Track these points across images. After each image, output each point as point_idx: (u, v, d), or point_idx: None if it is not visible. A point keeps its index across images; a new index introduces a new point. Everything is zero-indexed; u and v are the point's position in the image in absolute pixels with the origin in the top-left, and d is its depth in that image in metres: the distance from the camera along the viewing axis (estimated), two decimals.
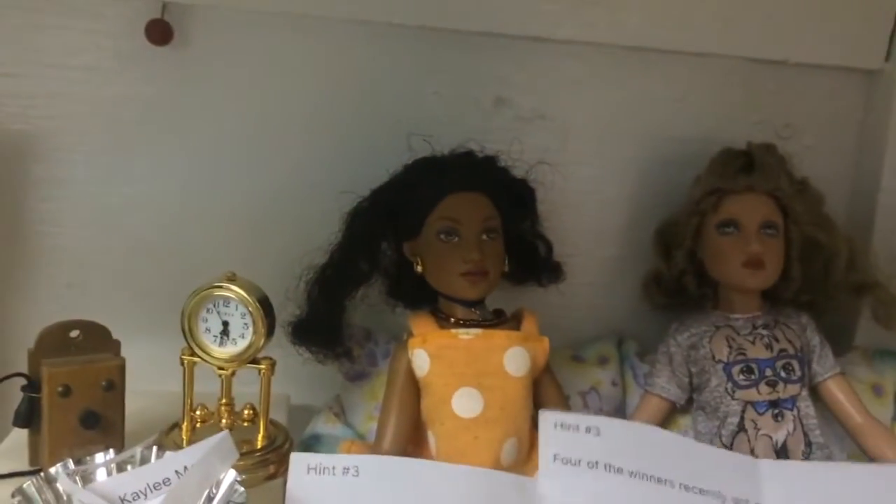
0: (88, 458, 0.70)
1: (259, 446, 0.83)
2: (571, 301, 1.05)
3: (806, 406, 0.89)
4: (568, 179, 1.03)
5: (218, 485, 0.68)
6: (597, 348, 1.05)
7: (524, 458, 0.85)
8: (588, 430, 0.78)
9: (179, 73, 0.96)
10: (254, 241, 0.99)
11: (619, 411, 1.00)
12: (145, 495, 0.68)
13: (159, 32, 0.93)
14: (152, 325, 0.88)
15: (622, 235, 1.09)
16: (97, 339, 0.81)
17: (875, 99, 1.07)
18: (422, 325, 0.86)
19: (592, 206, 1.07)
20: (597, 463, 0.76)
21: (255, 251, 0.97)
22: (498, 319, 0.88)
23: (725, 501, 0.76)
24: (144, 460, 0.71)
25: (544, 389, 0.89)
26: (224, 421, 0.83)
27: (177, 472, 0.68)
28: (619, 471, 0.76)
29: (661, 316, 1.03)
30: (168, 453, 0.71)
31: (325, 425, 0.95)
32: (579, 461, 0.76)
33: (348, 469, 0.75)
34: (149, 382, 0.89)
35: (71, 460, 0.69)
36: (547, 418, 0.78)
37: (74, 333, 0.80)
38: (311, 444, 0.93)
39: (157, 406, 0.90)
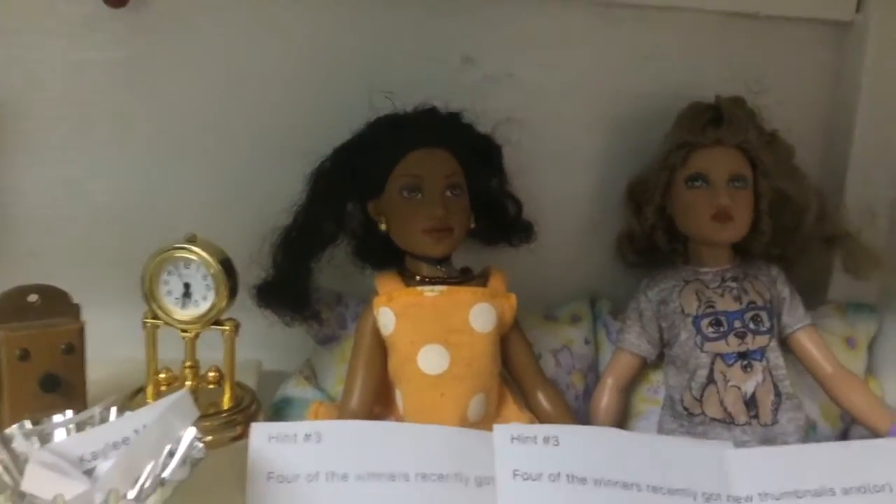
0: (46, 419, 0.69)
1: (225, 407, 0.83)
2: (544, 261, 1.04)
3: (775, 357, 0.89)
4: (537, 138, 1.03)
5: (178, 442, 0.67)
6: (569, 307, 1.04)
7: (492, 414, 0.84)
8: (546, 440, 0.77)
9: (137, 37, 0.95)
10: (218, 205, 0.98)
11: (592, 369, 1.00)
12: (105, 455, 0.68)
13: None
14: (118, 293, 0.87)
15: (594, 194, 1.08)
16: (56, 303, 0.80)
17: (846, 51, 1.06)
18: (387, 284, 0.86)
19: (563, 165, 1.06)
20: (558, 475, 0.76)
21: (220, 215, 0.95)
22: (464, 277, 0.88)
23: (696, 498, 0.77)
24: (104, 421, 0.71)
25: (513, 346, 0.88)
26: (189, 383, 0.83)
27: (136, 430, 0.68)
28: (583, 481, 0.76)
29: (634, 274, 1.03)
30: (127, 413, 0.70)
31: (295, 388, 0.95)
32: (540, 475, 0.75)
33: (310, 435, 0.75)
34: (115, 350, 0.89)
35: (28, 421, 0.68)
36: (502, 432, 0.77)
37: (33, 298, 0.80)
38: (282, 408, 0.92)
39: (122, 373, 0.89)
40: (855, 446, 0.82)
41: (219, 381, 0.85)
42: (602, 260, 1.08)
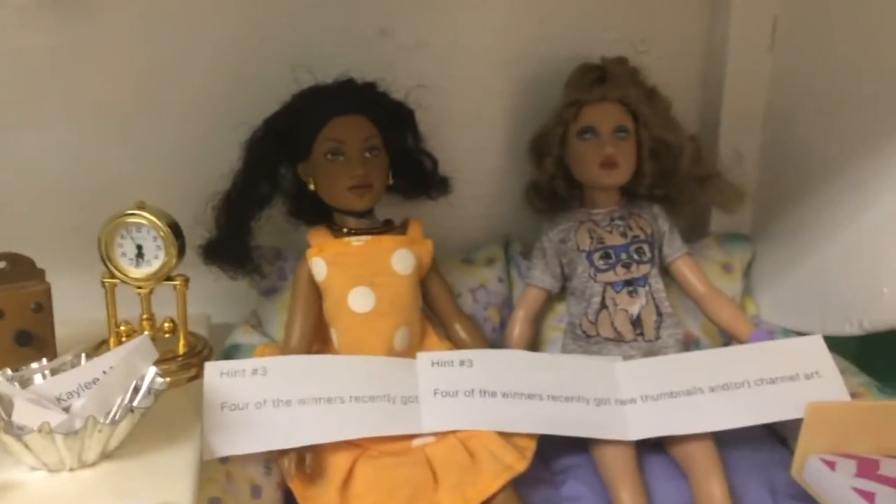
0: (24, 366, 0.79)
1: (181, 353, 0.94)
2: (462, 212, 1.17)
3: (656, 282, 1.03)
4: (449, 101, 1.13)
5: (142, 379, 0.78)
6: (485, 251, 1.17)
7: (416, 344, 0.97)
8: (462, 363, 0.91)
9: (79, 21, 1.02)
10: (163, 174, 1.07)
11: (507, 304, 1.13)
12: (78, 394, 0.79)
13: None
14: (77, 258, 0.94)
15: (503, 149, 1.20)
16: (23, 268, 0.90)
17: (716, 10, 1.18)
18: (319, 238, 0.97)
19: (474, 125, 1.17)
20: (472, 391, 0.89)
21: (165, 183, 1.04)
22: (386, 227, 1.00)
23: (589, 403, 0.90)
24: (75, 366, 0.81)
25: (432, 285, 1.01)
26: (146, 333, 0.93)
27: (104, 371, 0.79)
28: (493, 394, 0.89)
29: (542, 219, 1.15)
30: (95, 357, 0.81)
31: (243, 336, 1.06)
32: (456, 392, 0.89)
33: (256, 370, 0.88)
34: (78, 311, 0.98)
35: (9, 369, 0.79)
36: (423, 359, 0.90)
37: (1, 265, 0.89)
38: (231, 353, 1.04)
39: (86, 331, 0.98)
40: (719, 353, 0.98)
41: (173, 331, 0.95)
42: (513, 208, 1.20)
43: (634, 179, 1.06)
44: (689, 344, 1.09)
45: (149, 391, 0.76)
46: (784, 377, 0.91)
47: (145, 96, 1.07)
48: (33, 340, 0.87)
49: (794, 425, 0.87)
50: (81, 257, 0.94)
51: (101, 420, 0.72)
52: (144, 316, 0.94)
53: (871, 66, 0.99)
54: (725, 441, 0.92)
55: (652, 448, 0.94)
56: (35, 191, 1.07)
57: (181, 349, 0.94)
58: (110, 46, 1.04)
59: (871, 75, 0.99)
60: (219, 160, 0.99)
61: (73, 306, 0.96)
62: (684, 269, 1.06)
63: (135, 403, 0.75)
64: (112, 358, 0.79)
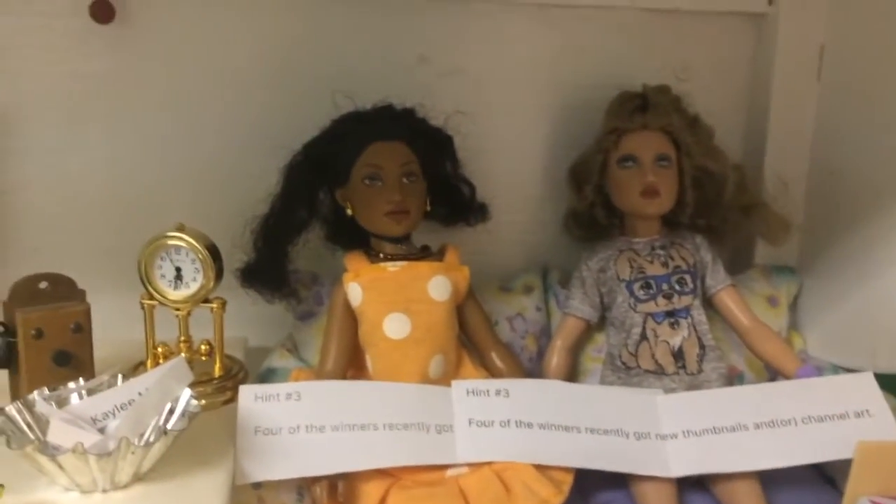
0: (62, 386, 0.80)
1: (216, 375, 0.94)
2: (499, 238, 1.16)
3: (698, 314, 1.01)
4: (487, 128, 1.14)
5: (177, 401, 0.78)
6: (523, 279, 1.16)
7: (452, 372, 0.96)
8: (498, 392, 0.90)
9: (123, 48, 1.05)
10: (203, 197, 1.09)
11: (544, 333, 1.12)
12: (113, 415, 0.79)
13: (102, 12, 1.02)
14: (116, 279, 0.96)
15: (541, 176, 1.19)
16: (64, 288, 0.91)
17: (762, 40, 1.17)
18: (355, 262, 0.97)
19: (513, 152, 1.17)
20: (508, 421, 0.87)
21: (205, 206, 1.05)
22: (423, 253, 0.99)
23: (629, 437, 0.88)
24: (111, 387, 0.81)
25: (469, 312, 1.00)
26: (183, 355, 0.93)
27: (140, 393, 0.79)
28: (529, 425, 0.87)
29: (581, 247, 1.14)
30: (132, 379, 0.81)
31: (279, 360, 1.06)
32: (492, 422, 0.87)
33: (291, 395, 0.87)
34: (117, 332, 0.98)
35: (46, 388, 0.79)
36: (459, 387, 0.89)
37: (43, 285, 0.90)
38: (267, 377, 1.03)
39: (125, 351, 0.98)
40: (765, 388, 0.95)
41: (210, 353, 0.95)
42: (551, 235, 1.19)
43: (676, 209, 1.05)
44: (733, 378, 1.06)
45: (183, 414, 0.76)
46: (833, 415, 0.88)
47: (186, 120, 1.08)
48: (72, 360, 0.88)
49: (842, 466, 0.84)
50: (121, 278, 0.95)
51: (135, 442, 0.71)
52: (182, 338, 0.94)
53: None
54: (771, 480, 0.89)
55: (693, 486, 0.91)
56: (77, 213, 1.08)
57: (217, 372, 0.94)
58: (153, 71, 1.07)
59: None
60: (257, 184, 0.99)
61: (112, 327, 0.97)
62: (728, 301, 1.03)
63: (169, 426, 0.75)
64: (147, 379, 0.79)
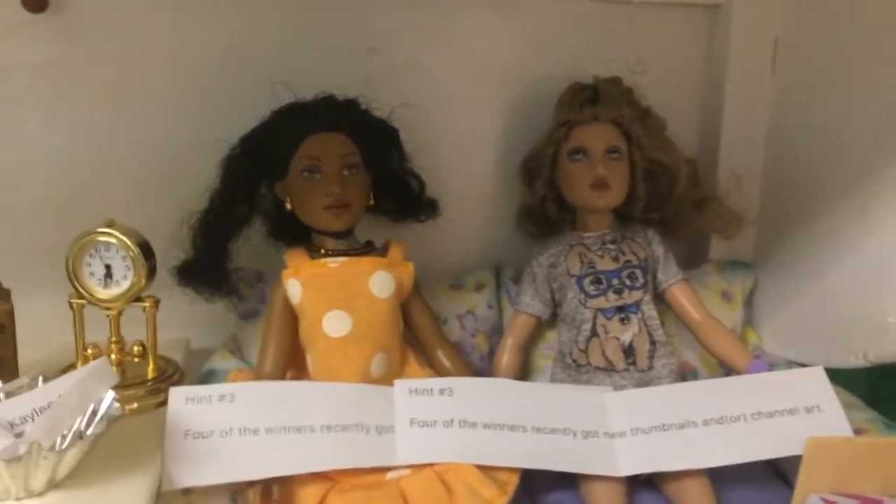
0: None
1: (150, 377, 0.91)
2: (451, 235, 1.13)
3: (649, 309, 0.98)
4: (439, 121, 1.11)
5: (100, 403, 0.75)
6: (474, 276, 1.13)
7: (396, 371, 0.93)
8: (441, 391, 0.86)
9: (58, 39, 1.01)
10: (141, 193, 1.04)
11: (496, 331, 1.09)
12: (32, 419, 0.75)
13: (34, 1, 0.98)
14: (51, 279, 0.92)
15: (495, 171, 1.16)
16: None
17: (716, 32, 1.15)
18: (295, 258, 0.94)
19: (465, 146, 1.14)
20: (451, 421, 0.84)
21: (143, 203, 1.01)
22: (366, 249, 0.96)
23: (576, 435, 0.85)
24: (32, 389, 0.78)
25: (414, 310, 0.97)
26: (114, 357, 0.90)
27: (60, 395, 0.75)
28: (473, 425, 0.84)
29: (534, 243, 1.11)
30: (52, 381, 0.77)
31: (220, 361, 1.02)
32: (435, 422, 0.84)
33: (224, 396, 0.84)
34: (49, 336, 0.95)
35: None
36: (401, 387, 0.86)
37: None
38: (207, 379, 0.99)
39: (56, 355, 0.95)
40: (714, 384, 0.93)
41: (143, 355, 0.92)
42: (505, 232, 1.17)
43: (628, 202, 1.02)
44: (686, 375, 1.04)
45: (102, 417, 0.72)
46: (783, 411, 0.86)
47: (123, 114, 1.04)
48: None
49: (795, 462, 0.82)
50: (55, 279, 0.91)
51: (47, 447, 0.68)
52: (113, 339, 0.91)
53: (874, 87, 0.95)
54: (722, 477, 0.86)
55: (643, 484, 0.88)
56: (10, 210, 1.04)
57: (150, 374, 0.91)
58: (88, 63, 1.02)
59: (874, 96, 0.95)
60: (198, 179, 0.96)
61: (47, 330, 0.94)
62: (680, 296, 1.01)
63: (85, 429, 0.71)
64: (68, 381, 0.76)
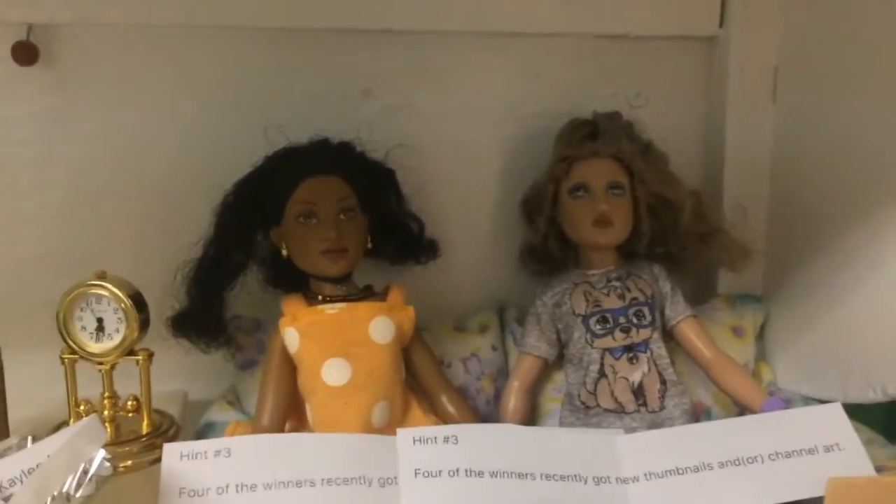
0: None
1: (144, 433, 0.88)
2: (453, 277, 1.11)
3: (658, 347, 0.95)
4: (437, 162, 1.09)
5: (90, 462, 0.72)
6: (478, 318, 1.10)
7: (398, 419, 0.90)
8: (446, 439, 0.83)
9: (49, 91, 1.00)
10: (135, 245, 1.03)
11: (502, 374, 1.06)
12: (21, 481, 0.72)
13: (24, 54, 0.97)
14: (43, 335, 0.90)
15: (496, 211, 1.14)
16: None
17: (714, 63, 1.14)
18: (292, 306, 0.92)
19: (464, 186, 1.13)
20: (457, 470, 0.80)
21: (137, 254, 1.00)
22: (365, 294, 0.94)
23: (587, 482, 0.82)
24: (21, 449, 0.75)
25: (416, 355, 0.94)
26: (107, 412, 0.87)
27: (48, 456, 0.72)
28: (480, 474, 0.80)
29: (538, 283, 1.09)
30: (42, 440, 0.75)
31: (219, 413, 1.00)
32: (440, 472, 0.80)
33: (220, 451, 0.80)
34: (42, 392, 0.92)
35: None
36: (404, 436, 0.82)
37: None
38: (205, 432, 0.97)
39: (48, 412, 0.93)
40: (729, 424, 0.89)
41: (137, 409, 0.89)
42: (507, 271, 1.14)
43: (632, 238, 1.00)
44: (699, 415, 1.01)
45: (91, 478, 0.69)
46: (801, 450, 0.82)
47: (114, 163, 1.03)
48: None
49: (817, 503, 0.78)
50: (48, 334, 0.89)
51: None
52: (106, 394, 0.88)
53: (877, 112, 0.94)
54: None
55: None
56: (1, 263, 1.02)
57: (144, 429, 0.88)
58: (79, 114, 1.02)
59: (877, 121, 0.93)
60: (191, 227, 0.94)
61: (40, 387, 0.91)
62: (689, 332, 0.98)
63: (73, 491, 0.68)
64: (57, 441, 0.73)
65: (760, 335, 1.11)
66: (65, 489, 0.69)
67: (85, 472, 0.71)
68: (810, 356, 1.03)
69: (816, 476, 0.78)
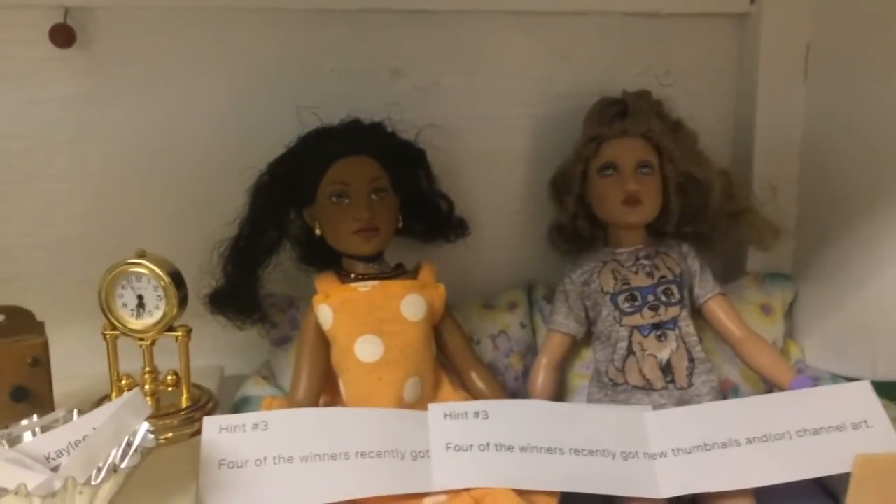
0: (14, 424, 0.76)
1: (184, 406, 0.90)
2: (482, 255, 1.13)
3: (686, 325, 0.96)
4: (466, 141, 1.11)
5: (134, 435, 0.74)
6: (507, 295, 1.12)
7: (429, 395, 0.92)
8: (476, 415, 0.85)
9: (86, 72, 1.02)
10: (171, 223, 1.05)
11: (530, 350, 1.08)
12: (68, 452, 0.75)
13: (62, 36, 0.99)
14: (84, 311, 0.93)
15: (525, 189, 1.15)
16: (22, 321, 0.87)
17: (745, 41, 1.13)
18: (325, 284, 0.93)
19: (494, 165, 1.14)
20: (487, 445, 0.83)
21: (173, 232, 1.03)
22: (397, 272, 0.95)
23: (615, 457, 0.83)
24: (67, 422, 0.77)
25: (447, 332, 0.96)
26: (148, 387, 0.90)
27: (94, 429, 0.75)
28: (510, 448, 0.83)
29: (566, 261, 1.09)
30: (87, 413, 0.77)
31: (254, 388, 1.02)
32: (471, 446, 0.82)
33: (257, 425, 0.83)
34: (83, 367, 0.95)
35: None
36: (435, 411, 0.85)
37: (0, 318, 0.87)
38: (241, 406, 0.99)
39: (90, 386, 0.96)
40: (757, 401, 0.90)
41: (176, 384, 0.92)
42: (537, 250, 1.15)
43: (661, 217, 1.01)
44: (727, 392, 1.02)
45: (136, 449, 0.72)
46: (829, 427, 0.83)
47: (151, 144, 1.05)
48: (29, 396, 0.84)
49: (844, 479, 0.79)
50: (89, 311, 0.92)
51: (82, 481, 0.67)
52: (146, 369, 0.91)
53: None
54: (768, 496, 0.83)
55: None
56: (43, 244, 1.05)
57: (184, 403, 0.91)
58: (116, 95, 1.04)
59: None
60: (226, 206, 0.96)
61: (80, 361, 0.94)
62: (718, 310, 0.99)
63: (123, 463, 0.71)
64: (103, 414, 0.75)
65: (789, 313, 1.11)
66: (111, 460, 0.72)
67: (129, 444, 0.74)
68: (839, 334, 1.04)
69: (844, 453, 0.79)
